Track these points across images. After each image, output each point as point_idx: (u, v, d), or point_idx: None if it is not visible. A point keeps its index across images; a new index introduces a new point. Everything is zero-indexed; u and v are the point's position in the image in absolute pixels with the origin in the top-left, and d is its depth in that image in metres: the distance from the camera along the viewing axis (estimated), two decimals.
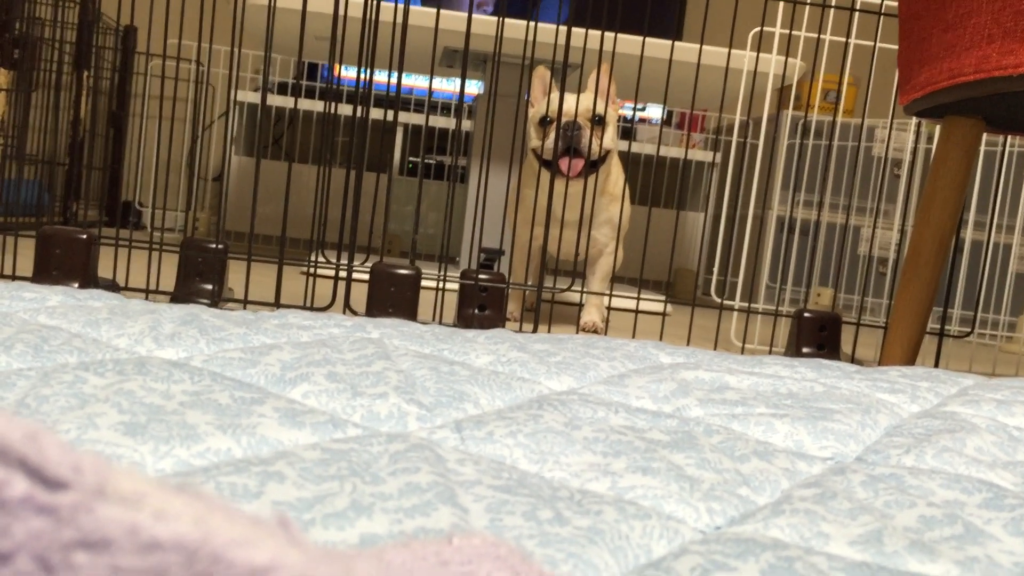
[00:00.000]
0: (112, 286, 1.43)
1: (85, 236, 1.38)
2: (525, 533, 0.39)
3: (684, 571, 0.37)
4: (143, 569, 0.16)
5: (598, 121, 1.69)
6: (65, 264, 1.39)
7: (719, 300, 1.73)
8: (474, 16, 2.09)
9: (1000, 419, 0.71)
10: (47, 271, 1.38)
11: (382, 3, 2.03)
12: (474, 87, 3.45)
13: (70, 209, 2.58)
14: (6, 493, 0.17)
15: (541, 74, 1.74)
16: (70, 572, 0.16)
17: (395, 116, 1.42)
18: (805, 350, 1.59)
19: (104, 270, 1.59)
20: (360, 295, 1.84)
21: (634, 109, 1.45)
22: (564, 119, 1.66)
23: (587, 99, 1.68)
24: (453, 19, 2.09)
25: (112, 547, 0.16)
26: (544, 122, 1.70)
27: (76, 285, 1.38)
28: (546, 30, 2.11)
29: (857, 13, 1.75)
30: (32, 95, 2.50)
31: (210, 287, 1.42)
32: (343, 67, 3.27)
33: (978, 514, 0.48)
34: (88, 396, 0.51)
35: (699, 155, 3.46)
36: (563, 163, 1.64)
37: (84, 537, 0.17)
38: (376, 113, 3.28)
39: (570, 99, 1.69)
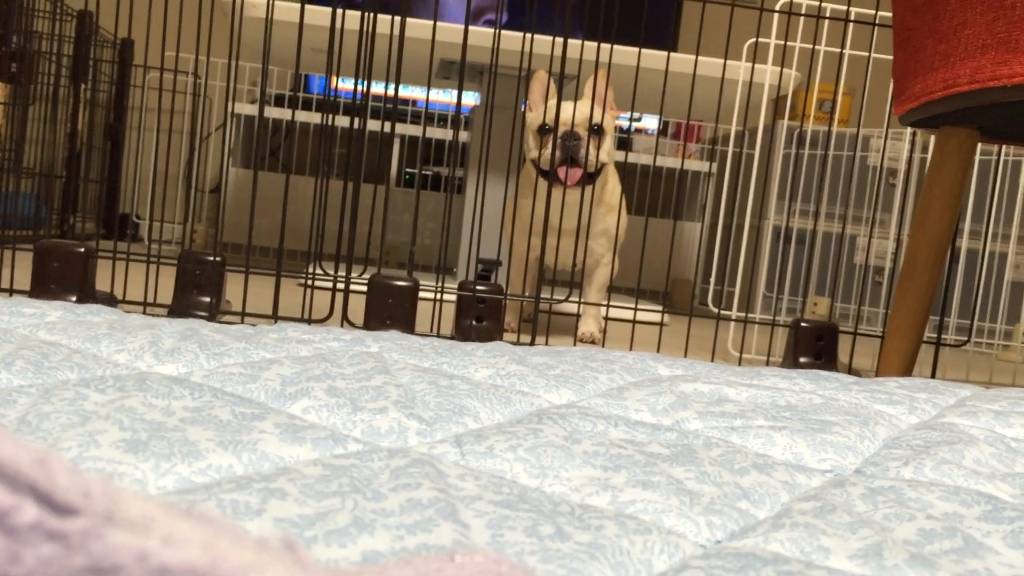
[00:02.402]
0: (110, 299, 1.43)
1: (83, 249, 1.38)
2: (527, 549, 0.39)
3: None
4: None
5: (596, 130, 1.69)
6: (63, 277, 1.39)
7: (716, 310, 1.73)
8: (471, 28, 2.09)
9: (998, 430, 0.71)
10: (45, 284, 1.38)
11: (379, 15, 2.04)
12: (471, 98, 3.46)
13: (67, 222, 2.58)
14: (16, 519, 0.17)
15: (540, 78, 1.74)
16: None
17: (392, 127, 1.43)
18: (802, 360, 1.59)
19: (102, 283, 1.59)
20: (358, 307, 1.84)
21: (630, 120, 1.46)
22: (562, 128, 1.66)
23: (585, 107, 1.69)
24: (450, 31, 2.10)
25: (122, 573, 0.17)
26: (543, 130, 1.71)
27: (74, 299, 1.38)
28: (542, 41, 2.12)
29: (852, 24, 1.76)
30: (29, 108, 2.50)
31: (208, 300, 1.42)
32: (340, 79, 3.28)
33: (977, 527, 0.48)
34: (89, 413, 0.51)
35: (695, 165, 3.47)
36: (562, 172, 1.65)
37: (94, 563, 0.17)
38: (373, 125, 3.28)
39: (568, 107, 1.69)
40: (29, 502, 0.17)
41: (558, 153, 1.64)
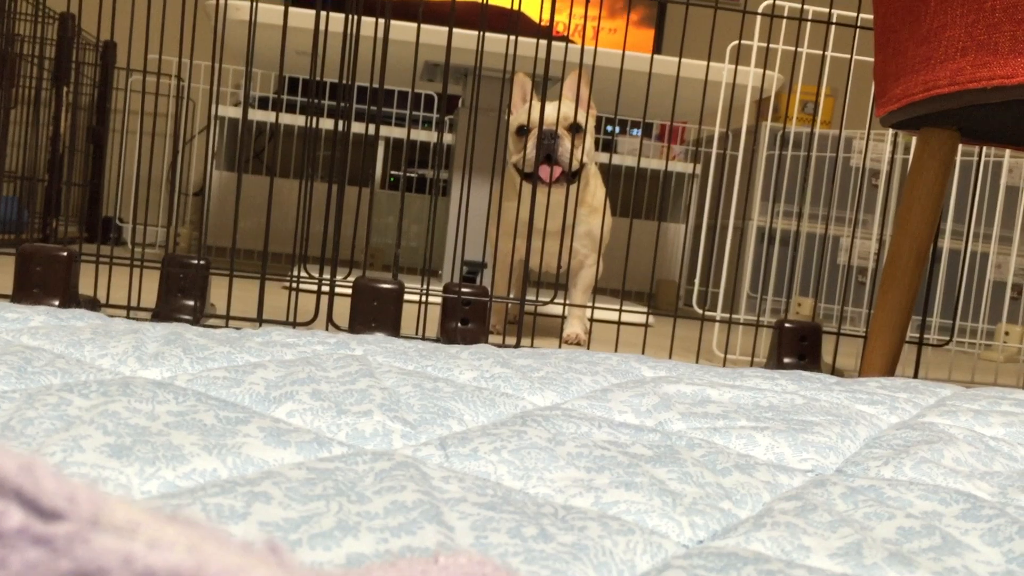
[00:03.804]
0: (93, 303, 1.43)
1: (65, 253, 1.37)
2: (510, 550, 0.40)
3: None
4: None
5: (576, 129, 1.69)
6: (45, 282, 1.38)
7: (700, 311, 1.74)
8: (455, 30, 2.10)
9: (977, 429, 0.72)
10: (27, 289, 1.38)
11: (363, 18, 2.04)
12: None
13: (50, 226, 2.57)
14: (2, 524, 0.17)
15: (521, 80, 1.74)
16: None
17: (376, 130, 1.43)
18: (786, 360, 1.60)
19: (85, 287, 1.59)
20: (343, 309, 1.84)
21: (615, 123, 1.47)
22: (542, 128, 1.67)
23: (565, 107, 1.69)
24: (434, 33, 2.10)
25: None
26: (522, 131, 1.71)
27: (57, 303, 1.38)
28: (526, 44, 2.12)
29: (834, 26, 1.77)
30: (11, 111, 2.49)
31: (192, 303, 1.42)
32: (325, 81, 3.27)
33: (956, 525, 0.49)
34: (73, 418, 0.51)
35: (679, 167, 3.49)
36: (543, 171, 1.65)
37: (80, 567, 0.17)
38: (358, 127, 3.28)
39: (548, 107, 1.69)
40: (15, 507, 0.17)
41: (538, 152, 1.65)
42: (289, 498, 0.42)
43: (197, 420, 0.53)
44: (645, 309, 1.86)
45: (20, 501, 0.18)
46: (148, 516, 0.19)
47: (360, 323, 1.42)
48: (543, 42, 2.23)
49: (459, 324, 1.49)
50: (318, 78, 1.87)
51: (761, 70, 2.17)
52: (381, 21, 2.08)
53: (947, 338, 2.28)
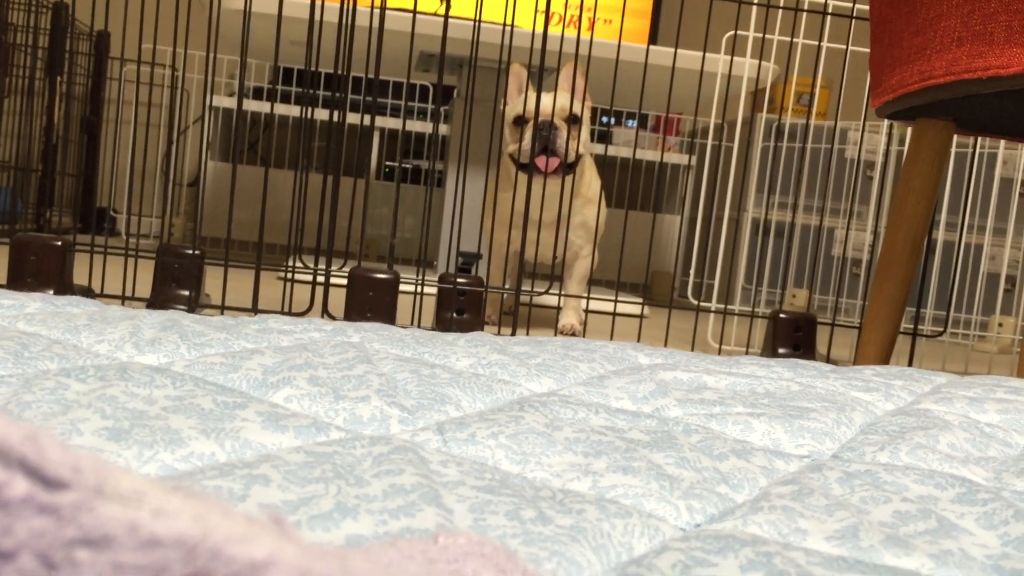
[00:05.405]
0: (87, 293, 1.43)
1: (60, 243, 1.37)
2: (509, 532, 0.40)
3: (665, 568, 0.38)
4: (144, 565, 0.17)
5: (574, 121, 1.69)
6: (40, 271, 1.38)
7: (696, 302, 1.74)
8: (450, 20, 2.09)
9: (972, 416, 0.73)
10: (22, 278, 1.38)
11: (358, 7, 2.03)
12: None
13: (44, 216, 2.56)
14: (7, 493, 0.17)
15: (516, 71, 1.74)
16: (73, 569, 0.17)
17: (372, 120, 1.43)
18: (781, 351, 1.60)
19: (79, 277, 1.58)
20: (338, 300, 1.84)
21: (610, 114, 1.47)
22: (539, 119, 1.66)
23: (562, 98, 1.69)
24: (429, 23, 2.10)
25: (113, 544, 0.17)
26: (519, 122, 1.71)
27: (51, 292, 1.38)
28: (522, 34, 2.12)
29: (829, 17, 1.77)
30: (4, 101, 2.48)
31: (187, 293, 1.42)
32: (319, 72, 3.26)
33: (951, 509, 0.49)
34: (71, 402, 0.51)
35: (675, 158, 3.49)
36: (540, 161, 1.65)
37: (86, 535, 0.17)
38: (353, 118, 3.27)
39: (545, 99, 1.69)
40: (20, 476, 0.17)
41: (535, 143, 1.65)
42: (288, 481, 0.42)
43: (195, 405, 0.53)
44: (640, 300, 1.86)
45: (25, 470, 0.18)
46: (153, 487, 0.19)
47: (355, 313, 1.42)
48: (539, 33, 2.23)
49: (454, 314, 1.49)
50: (313, 68, 1.87)
51: (757, 61, 2.17)
52: (376, 11, 2.08)
53: (941, 329, 2.29)
